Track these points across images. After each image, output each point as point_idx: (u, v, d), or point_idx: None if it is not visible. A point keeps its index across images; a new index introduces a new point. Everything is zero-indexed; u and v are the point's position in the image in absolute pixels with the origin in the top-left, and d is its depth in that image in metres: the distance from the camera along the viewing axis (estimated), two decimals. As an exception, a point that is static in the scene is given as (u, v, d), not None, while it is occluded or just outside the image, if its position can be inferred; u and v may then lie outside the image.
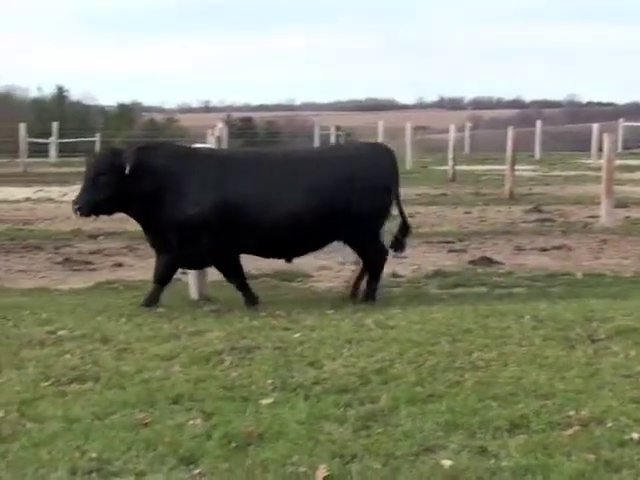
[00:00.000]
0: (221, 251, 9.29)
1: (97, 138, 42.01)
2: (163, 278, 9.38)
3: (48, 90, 59.43)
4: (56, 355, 7.01)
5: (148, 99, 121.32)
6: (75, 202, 9.09)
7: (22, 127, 34.16)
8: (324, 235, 9.62)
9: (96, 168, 9.05)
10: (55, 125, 37.82)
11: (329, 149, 10.79)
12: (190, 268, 9.71)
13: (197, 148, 10.15)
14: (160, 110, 75.78)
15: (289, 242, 9.49)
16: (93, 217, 9.38)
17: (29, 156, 34.03)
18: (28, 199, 21.62)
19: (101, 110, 61.14)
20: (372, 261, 9.79)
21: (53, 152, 37.33)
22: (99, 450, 5.01)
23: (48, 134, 37.68)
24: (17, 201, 21.12)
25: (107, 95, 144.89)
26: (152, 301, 9.26)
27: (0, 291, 10.57)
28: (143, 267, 12.19)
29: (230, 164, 9.35)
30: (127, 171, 8.85)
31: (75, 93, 63.89)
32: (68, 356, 6.97)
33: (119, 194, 8.99)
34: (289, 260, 9.86)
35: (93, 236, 15.02)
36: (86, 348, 7.20)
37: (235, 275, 9.51)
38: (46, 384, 6.25)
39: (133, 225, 15.97)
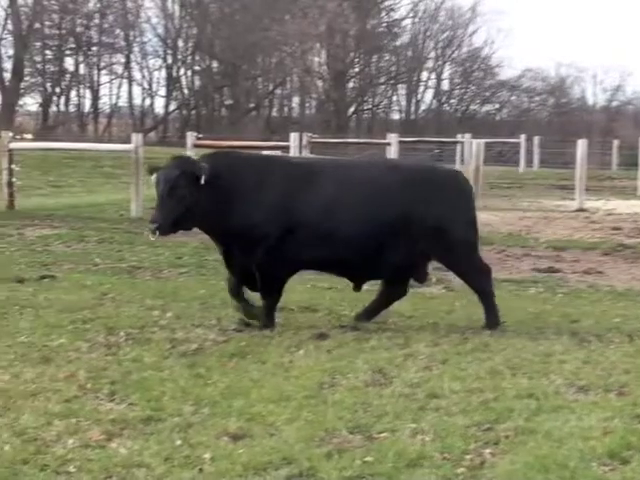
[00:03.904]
0: (275, 266, 8.51)
1: None
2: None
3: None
4: None
5: None
6: (152, 221, 8.27)
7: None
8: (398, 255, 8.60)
9: (169, 182, 8.27)
10: None
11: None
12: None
13: (268, 156, 9.64)
14: None
15: (356, 261, 8.59)
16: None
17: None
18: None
19: None
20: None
21: None
22: None
23: None
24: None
25: None
26: (268, 322, 8.49)
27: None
28: None
29: (299, 173, 8.69)
30: (202, 181, 8.23)
31: None
32: None
33: (196, 206, 8.28)
34: (358, 287, 8.93)
35: None
36: None
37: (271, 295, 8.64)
38: None
39: None
